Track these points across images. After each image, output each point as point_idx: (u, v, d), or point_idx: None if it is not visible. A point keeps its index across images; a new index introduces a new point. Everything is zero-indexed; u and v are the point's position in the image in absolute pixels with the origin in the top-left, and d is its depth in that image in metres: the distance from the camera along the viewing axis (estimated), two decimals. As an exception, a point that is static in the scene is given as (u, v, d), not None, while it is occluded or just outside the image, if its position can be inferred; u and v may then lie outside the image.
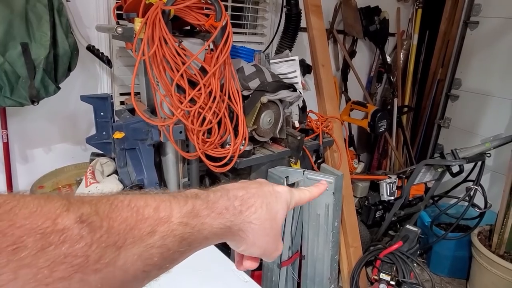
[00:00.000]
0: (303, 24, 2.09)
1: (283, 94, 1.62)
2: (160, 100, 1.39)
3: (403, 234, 2.11)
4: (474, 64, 2.88)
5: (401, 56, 3.04)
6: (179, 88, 1.38)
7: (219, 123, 1.45)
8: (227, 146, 1.50)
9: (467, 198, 2.22)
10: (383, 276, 1.97)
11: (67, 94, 1.65)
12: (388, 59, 2.96)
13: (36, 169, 1.70)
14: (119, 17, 1.62)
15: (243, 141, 1.50)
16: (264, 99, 1.54)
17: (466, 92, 2.95)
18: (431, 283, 2.20)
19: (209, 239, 0.36)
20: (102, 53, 1.63)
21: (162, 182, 1.57)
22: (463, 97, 2.98)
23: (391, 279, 1.95)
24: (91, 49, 1.59)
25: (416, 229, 2.10)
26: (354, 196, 2.46)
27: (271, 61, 1.86)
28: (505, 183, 2.12)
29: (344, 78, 2.85)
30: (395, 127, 2.96)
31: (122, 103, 1.89)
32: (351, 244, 2.09)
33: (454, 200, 2.28)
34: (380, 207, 2.49)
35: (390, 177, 2.43)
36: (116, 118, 1.61)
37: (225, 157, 1.48)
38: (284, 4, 2.10)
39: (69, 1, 1.56)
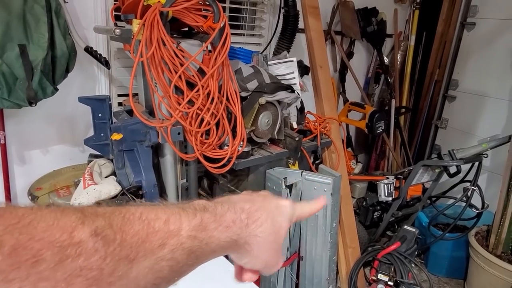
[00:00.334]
0: (301, 25, 2.10)
1: (281, 95, 1.62)
2: (158, 102, 1.39)
3: (401, 235, 2.11)
4: (471, 65, 2.89)
5: (399, 57, 3.05)
6: (177, 89, 1.38)
7: (217, 124, 1.45)
8: (225, 147, 1.50)
9: (464, 198, 2.23)
10: (381, 276, 1.97)
11: (65, 95, 1.64)
12: (386, 60, 2.97)
13: (34, 171, 1.70)
14: (117, 18, 1.61)
15: (241, 142, 1.50)
16: (262, 100, 1.55)
17: (463, 93, 2.96)
18: (429, 284, 2.21)
19: (216, 252, 0.37)
20: (100, 55, 1.63)
21: (160, 183, 1.57)
22: (460, 98, 2.99)
23: (389, 280, 1.96)
24: (89, 50, 1.59)
25: (414, 230, 2.10)
26: (352, 197, 2.47)
27: (269, 62, 1.87)
28: (502, 184, 2.13)
29: (342, 79, 2.86)
30: (393, 128, 2.97)
31: (120, 104, 1.89)
32: (349, 244, 2.10)
33: (451, 201, 2.28)
34: (378, 207, 2.50)
35: (388, 178, 2.43)
36: (114, 120, 1.61)
37: (223, 158, 1.48)
38: (282, 5, 2.10)
39: (67, 2, 1.56)
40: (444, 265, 2.48)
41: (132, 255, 0.28)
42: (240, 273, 0.47)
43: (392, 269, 1.98)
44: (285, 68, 1.86)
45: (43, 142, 1.74)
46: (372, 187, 2.54)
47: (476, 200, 2.26)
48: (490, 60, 2.75)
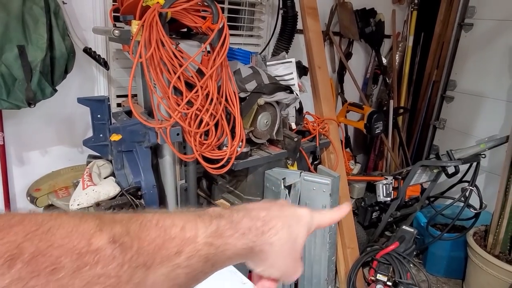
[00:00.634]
0: (299, 26, 2.10)
1: (280, 96, 1.63)
2: (157, 102, 1.39)
3: (400, 235, 2.12)
4: (468, 66, 2.90)
5: (397, 57, 3.06)
6: (176, 90, 1.38)
7: (216, 125, 1.46)
8: (224, 148, 1.50)
9: (462, 198, 2.24)
10: (379, 276, 1.98)
11: (63, 96, 1.64)
12: (384, 60, 2.98)
13: (33, 172, 1.70)
14: (116, 19, 1.62)
15: (240, 143, 1.50)
16: (261, 101, 1.55)
17: (461, 93, 2.97)
18: (427, 284, 2.22)
19: (232, 259, 0.37)
20: (99, 55, 1.63)
21: (159, 184, 1.57)
22: (458, 98, 3.00)
23: (388, 280, 1.96)
24: (87, 51, 1.59)
25: (412, 230, 2.11)
26: (351, 197, 2.47)
27: (267, 63, 1.87)
28: (500, 184, 2.14)
29: (340, 80, 2.87)
30: (391, 129, 2.98)
31: (119, 105, 1.89)
32: (348, 245, 2.10)
33: (449, 201, 2.29)
34: (377, 208, 2.50)
35: (386, 178, 2.44)
36: (113, 120, 1.61)
37: (222, 159, 1.48)
38: (281, 6, 2.10)
39: (66, 3, 1.56)
40: (442, 265, 2.49)
41: (149, 262, 0.28)
42: (259, 281, 0.46)
43: (391, 269, 1.99)
44: (283, 69, 1.86)
45: (42, 143, 1.74)
46: (371, 188, 2.54)
47: (474, 200, 2.27)
48: (487, 60, 2.76)
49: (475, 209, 2.26)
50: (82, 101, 1.55)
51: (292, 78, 1.84)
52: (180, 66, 1.31)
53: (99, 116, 1.57)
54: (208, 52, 1.41)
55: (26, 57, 1.35)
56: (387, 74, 2.97)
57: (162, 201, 1.57)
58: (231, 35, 1.43)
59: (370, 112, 2.41)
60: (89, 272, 0.24)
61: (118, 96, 1.90)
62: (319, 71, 2.02)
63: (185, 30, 1.62)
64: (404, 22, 3.10)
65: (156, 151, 1.57)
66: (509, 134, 2.14)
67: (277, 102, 1.65)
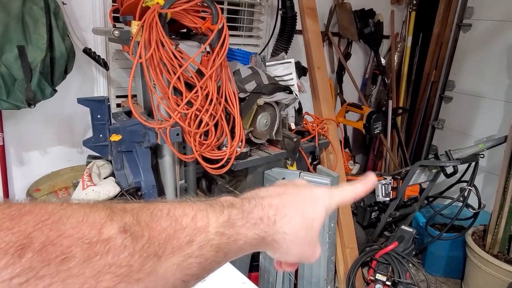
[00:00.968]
0: (298, 26, 2.11)
1: (279, 96, 1.63)
2: (157, 103, 1.39)
3: (399, 235, 2.12)
4: (467, 66, 2.91)
5: (395, 58, 3.07)
6: (176, 90, 1.38)
7: (215, 125, 1.46)
8: (224, 148, 1.51)
9: (461, 198, 2.25)
10: (379, 276, 1.98)
11: (63, 96, 1.65)
12: (383, 61, 2.98)
13: (32, 172, 1.70)
14: (116, 20, 1.62)
15: (240, 143, 1.51)
16: (261, 101, 1.55)
17: (460, 93, 2.98)
18: (426, 283, 2.22)
19: (244, 249, 0.36)
20: (99, 56, 1.63)
21: (159, 184, 1.57)
22: (457, 98, 3.01)
23: (387, 280, 1.96)
24: (87, 51, 1.59)
25: (411, 230, 2.11)
26: (350, 197, 2.47)
27: (267, 64, 1.87)
28: (498, 184, 2.14)
29: (339, 80, 2.87)
30: (390, 129, 2.99)
31: (118, 105, 1.89)
32: (347, 245, 2.10)
33: (448, 201, 2.30)
34: (376, 208, 2.51)
35: (385, 178, 2.44)
36: (113, 121, 1.62)
37: (222, 159, 1.48)
38: (280, 7, 2.11)
39: (66, 4, 1.56)
40: (441, 264, 2.50)
41: (160, 252, 0.28)
42: (279, 263, 0.46)
43: (390, 269, 1.99)
44: (283, 69, 1.87)
45: (41, 143, 1.74)
46: (370, 188, 2.54)
47: (472, 200, 2.28)
48: (486, 61, 2.77)
49: (473, 209, 2.27)
50: (82, 101, 1.55)
51: (292, 79, 1.85)
52: (180, 66, 1.32)
53: (99, 116, 1.57)
54: (208, 52, 1.41)
55: (26, 57, 1.35)
56: (386, 75, 2.98)
57: (162, 201, 1.57)
58: (230, 35, 1.43)
59: (369, 113, 2.41)
60: (99, 261, 0.24)
61: (117, 97, 1.90)
62: (318, 72, 2.03)
63: (184, 30, 1.63)
64: (403, 23, 3.11)
65: (156, 151, 1.57)
66: (507, 134, 2.14)
67: (277, 103, 1.65)
